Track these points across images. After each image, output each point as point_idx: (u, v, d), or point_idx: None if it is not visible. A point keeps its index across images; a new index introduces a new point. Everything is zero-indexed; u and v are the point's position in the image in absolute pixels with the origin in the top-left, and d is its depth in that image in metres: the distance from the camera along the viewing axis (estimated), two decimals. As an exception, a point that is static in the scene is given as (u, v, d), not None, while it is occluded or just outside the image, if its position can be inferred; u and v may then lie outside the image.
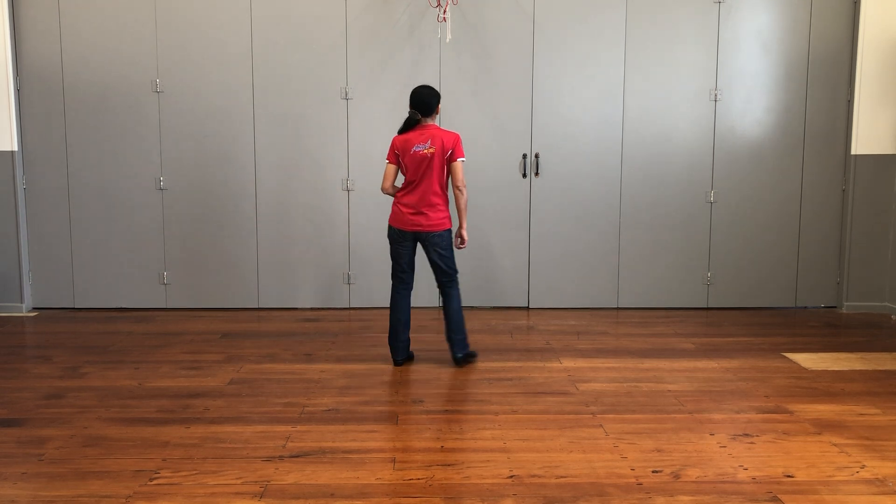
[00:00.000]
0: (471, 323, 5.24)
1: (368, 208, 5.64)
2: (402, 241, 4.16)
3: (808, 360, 4.32)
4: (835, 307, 5.79)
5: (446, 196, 4.13)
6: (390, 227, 4.19)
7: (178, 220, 5.61)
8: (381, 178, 5.54)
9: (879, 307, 5.67)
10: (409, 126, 4.09)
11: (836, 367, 4.19)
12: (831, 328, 5.18)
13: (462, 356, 4.20)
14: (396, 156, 4.13)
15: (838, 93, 5.60)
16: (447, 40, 5.40)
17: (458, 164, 4.05)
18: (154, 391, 3.75)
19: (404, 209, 4.10)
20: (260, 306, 5.72)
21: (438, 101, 4.10)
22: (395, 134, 4.19)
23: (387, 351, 4.46)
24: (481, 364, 4.23)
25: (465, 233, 4.14)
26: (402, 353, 4.26)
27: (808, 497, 2.60)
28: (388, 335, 4.29)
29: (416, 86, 4.16)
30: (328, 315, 5.54)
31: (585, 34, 5.52)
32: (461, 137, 4.10)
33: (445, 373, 4.05)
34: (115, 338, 4.84)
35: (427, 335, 4.89)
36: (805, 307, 5.80)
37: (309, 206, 5.64)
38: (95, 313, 5.57)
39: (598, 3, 5.50)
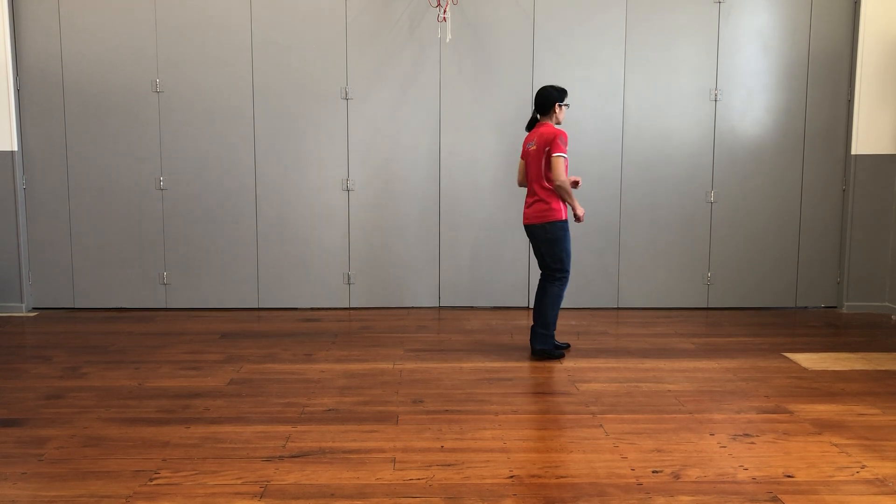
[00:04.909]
0: (470, 323, 5.25)
1: (368, 208, 5.64)
2: (527, 234, 4.36)
3: (809, 360, 4.32)
4: (835, 307, 5.79)
5: (548, 189, 4.18)
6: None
7: (178, 220, 5.61)
8: (383, 178, 5.64)
9: (879, 307, 5.67)
10: (531, 125, 4.35)
11: (836, 367, 4.19)
12: (831, 328, 5.18)
13: (539, 349, 4.32)
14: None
15: (838, 93, 5.60)
16: (447, 40, 5.40)
17: (554, 158, 4.09)
18: (154, 391, 3.75)
19: (524, 203, 4.36)
20: (260, 306, 5.72)
21: (554, 101, 4.20)
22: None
23: (387, 350, 4.48)
24: (481, 364, 4.23)
25: (577, 212, 4.19)
26: (532, 340, 4.36)
27: (808, 497, 2.59)
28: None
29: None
30: (328, 315, 5.54)
31: (585, 34, 5.53)
32: (565, 134, 4.14)
33: (445, 373, 4.05)
34: (115, 338, 4.84)
35: (427, 335, 4.89)
36: (805, 307, 5.80)
37: (309, 206, 5.63)
38: (95, 313, 5.57)
39: (598, 3, 5.50)
